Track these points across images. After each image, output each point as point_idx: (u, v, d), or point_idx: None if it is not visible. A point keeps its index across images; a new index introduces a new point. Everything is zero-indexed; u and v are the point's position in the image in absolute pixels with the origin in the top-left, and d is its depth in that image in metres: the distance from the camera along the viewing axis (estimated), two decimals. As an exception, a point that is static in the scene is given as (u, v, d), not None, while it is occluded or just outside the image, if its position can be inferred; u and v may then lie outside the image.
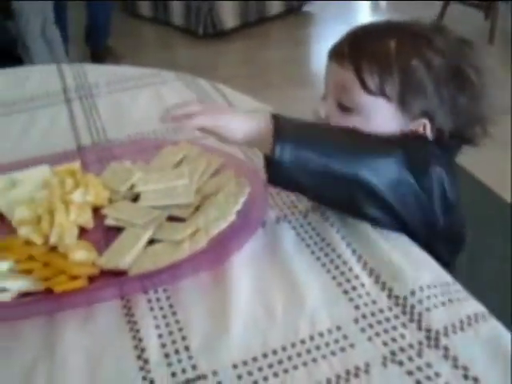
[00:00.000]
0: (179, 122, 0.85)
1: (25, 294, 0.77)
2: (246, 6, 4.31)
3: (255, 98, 1.28)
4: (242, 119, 0.85)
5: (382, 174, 0.84)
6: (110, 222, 0.89)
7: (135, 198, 0.95)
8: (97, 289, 0.78)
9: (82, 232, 0.88)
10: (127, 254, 0.80)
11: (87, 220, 0.89)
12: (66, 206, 0.88)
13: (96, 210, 0.92)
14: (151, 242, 0.84)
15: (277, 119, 0.83)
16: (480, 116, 0.97)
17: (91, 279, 0.79)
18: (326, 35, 4.30)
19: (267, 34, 4.39)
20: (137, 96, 1.30)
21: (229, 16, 4.23)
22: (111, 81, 1.38)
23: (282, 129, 0.82)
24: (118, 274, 0.80)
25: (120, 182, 0.96)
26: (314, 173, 0.82)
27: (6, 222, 0.91)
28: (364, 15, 4.98)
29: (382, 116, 0.94)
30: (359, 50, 0.94)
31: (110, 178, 0.98)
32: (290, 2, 4.56)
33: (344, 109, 0.96)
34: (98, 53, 3.87)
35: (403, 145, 0.88)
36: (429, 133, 0.96)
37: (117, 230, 0.87)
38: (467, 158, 1.03)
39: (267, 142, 0.81)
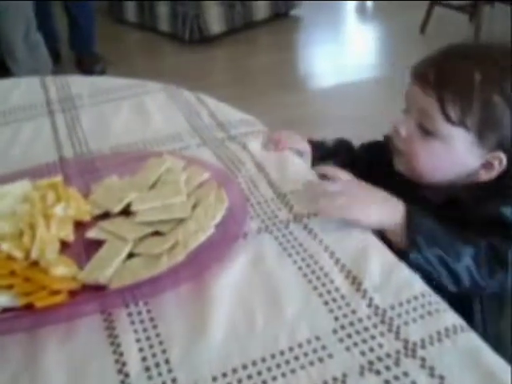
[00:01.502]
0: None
1: (5, 310, 0.77)
2: (232, 11, 4.31)
3: (242, 103, 1.28)
4: (379, 208, 0.91)
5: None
6: (90, 235, 0.89)
7: (126, 212, 0.94)
8: (77, 303, 0.78)
9: (64, 246, 0.88)
10: (107, 268, 0.80)
11: (68, 234, 0.89)
12: (47, 221, 0.88)
13: (77, 224, 0.93)
14: (131, 255, 0.84)
15: (410, 214, 0.90)
16: None
17: (72, 294, 0.79)
18: (314, 40, 4.33)
19: (254, 39, 4.39)
20: (120, 107, 1.30)
21: (215, 21, 4.23)
22: (94, 92, 1.38)
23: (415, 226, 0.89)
24: (98, 289, 0.80)
25: (114, 202, 0.95)
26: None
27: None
28: (350, 16, 5.01)
29: (459, 145, 0.99)
30: (443, 80, 0.99)
31: (102, 197, 0.97)
32: (277, 7, 4.57)
33: (424, 131, 1.01)
34: (84, 59, 3.86)
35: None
36: (503, 165, 1.00)
37: (98, 244, 0.87)
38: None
39: (399, 233, 0.90)
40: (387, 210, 0.92)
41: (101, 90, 1.39)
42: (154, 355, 0.71)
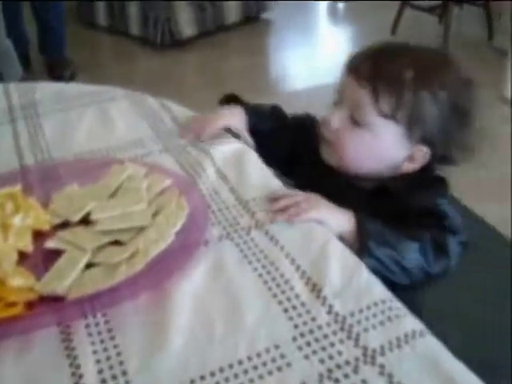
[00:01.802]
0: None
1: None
2: (203, 14, 4.30)
3: (214, 107, 1.27)
4: (338, 214, 0.96)
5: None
6: (49, 245, 0.88)
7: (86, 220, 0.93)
8: (34, 315, 0.77)
9: (22, 257, 0.87)
10: (65, 279, 0.79)
11: (27, 244, 0.88)
12: (4, 231, 0.87)
13: (37, 234, 0.91)
14: (90, 265, 0.83)
15: (360, 221, 0.95)
16: (467, 143, 1.07)
17: (29, 305, 0.78)
18: (285, 42, 4.33)
19: (225, 42, 4.39)
20: (83, 114, 1.29)
21: (186, 25, 4.22)
22: (57, 99, 1.36)
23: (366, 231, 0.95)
24: (56, 300, 0.79)
25: (73, 211, 0.93)
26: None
27: None
28: (322, 18, 5.02)
29: (389, 137, 1.05)
30: (378, 74, 1.04)
31: (61, 206, 0.96)
32: (248, 10, 4.56)
33: (355, 122, 1.06)
34: (54, 64, 3.82)
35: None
36: (426, 158, 1.07)
37: (57, 254, 0.86)
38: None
39: (352, 240, 0.94)
40: (343, 217, 0.96)
41: (64, 96, 1.37)
42: (110, 367, 0.70)
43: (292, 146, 1.23)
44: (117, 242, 0.87)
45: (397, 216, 1.00)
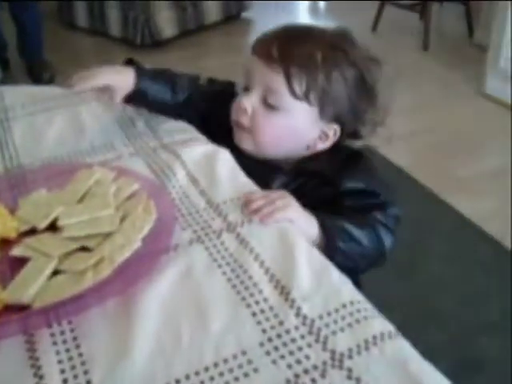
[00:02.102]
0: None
1: None
2: (183, 14, 4.29)
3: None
4: (306, 218, 0.97)
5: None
6: (15, 252, 0.87)
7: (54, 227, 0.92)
8: (-2, 325, 0.76)
9: (-12, 265, 0.86)
10: (30, 287, 0.78)
11: (-8, 252, 0.87)
12: (-30, 239, 0.86)
13: (4, 241, 0.90)
14: (56, 273, 0.82)
15: (324, 222, 0.98)
16: (374, 118, 1.12)
17: (-6, 315, 0.76)
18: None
19: (206, 42, 4.37)
20: (53, 118, 1.27)
21: (166, 25, 4.20)
22: (27, 102, 1.34)
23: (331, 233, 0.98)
24: (21, 309, 0.77)
25: (40, 217, 0.92)
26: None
27: None
28: (303, 17, 5.01)
29: (303, 118, 1.08)
30: (289, 57, 1.05)
31: (28, 212, 0.94)
32: (228, 9, 4.55)
33: (268, 106, 1.07)
34: (33, 67, 3.79)
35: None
36: (337, 136, 1.11)
37: (23, 262, 0.84)
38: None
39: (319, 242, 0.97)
40: (310, 218, 0.98)
41: (34, 100, 1.35)
42: (75, 376, 0.69)
43: (203, 119, 1.24)
44: (84, 249, 0.86)
45: (325, 197, 1.06)
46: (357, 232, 1.01)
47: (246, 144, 1.12)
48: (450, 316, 1.96)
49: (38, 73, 3.73)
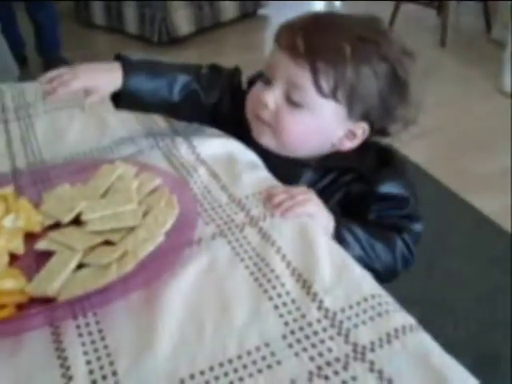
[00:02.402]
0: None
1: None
2: (200, 12, 4.31)
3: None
4: (325, 218, 0.97)
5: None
6: (40, 246, 0.88)
7: (77, 221, 0.93)
8: (25, 317, 0.77)
9: (14, 258, 0.87)
10: (55, 280, 0.79)
11: (18, 246, 0.88)
12: (-5, 233, 0.87)
13: (27, 235, 0.91)
14: (80, 266, 0.83)
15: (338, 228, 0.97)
16: (406, 115, 1.05)
17: (20, 307, 0.78)
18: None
19: (223, 39, 4.39)
20: (75, 115, 1.29)
21: (183, 22, 4.22)
22: (49, 100, 1.35)
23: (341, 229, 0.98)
24: (47, 301, 0.78)
25: (65, 211, 0.93)
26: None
27: None
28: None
29: (329, 116, 1.01)
30: (316, 51, 0.97)
31: (53, 207, 0.95)
32: (245, 6, 4.56)
33: (292, 103, 1.00)
34: (51, 64, 3.81)
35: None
36: (366, 135, 1.05)
37: (48, 255, 0.86)
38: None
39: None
40: (329, 217, 0.98)
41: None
42: (101, 367, 0.70)
43: (208, 113, 1.16)
44: (107, 243, 0.87)
45: (357, 194, 1.04)
46: (370, 244, 1.00)
47: (267, 139, 1.06)
48: (467, 313, 1.96)
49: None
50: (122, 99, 1.07)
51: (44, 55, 3.88)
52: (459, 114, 3.13)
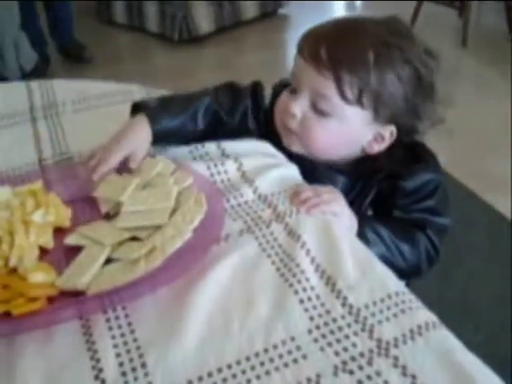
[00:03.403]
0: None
1: (-16, 317, 0.77)
2: (220, 10, 4.32)
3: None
4: (349, 219, 0.98)
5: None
6: (69, 241, 0.90)
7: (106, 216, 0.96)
8: (55, 310, 0.78)
9: (43, 252, 0.89)
10: (85, 274, 0.81)
11: (48, 240, 0.90)
12: (26, 227, 0.89)
13: (57, 230, 0.93)
14: (109, 261, 0.85)
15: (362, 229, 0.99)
16: (433, 114, 1.06)
17: (50, 300, 0.80)
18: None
19: (243, 38, 4.40)
20: (104, 113, 1.30)
21: (204, 21, 4.23)
22: (79, 98, 1.37)
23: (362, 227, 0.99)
24: (77, 295, 0.80)
25: (119, 192, 0.96)
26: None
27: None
28: (339, 15, 5.00)
29: (356, 123, 1.03)
30: (338, 60, 0.99)
31: (108, 190, 0.99)
32: (265, 5, 4.57)
33: (319, 112, 1.02)
34: (70, 48, 3.89)
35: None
36: (394, 137, 1.06)
37: (78, 250, 0.88)
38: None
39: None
40: (353, 217, 0.99)
41: (84, 96, 1.38)
42: (130, 360, 0.72)
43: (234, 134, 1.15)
44: (135, 238, 0.89)
45: (386, 190, 1.06)
46: (394, 243, 1.02)
47: (297, 147, 1.08)
48: (486, 314, 1.96)
49: (76, 53, 3.87)
50: (154, 141, 1.08)
51: (61, 40, 3.93)
52: (479, 115, 3.12)
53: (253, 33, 4.49)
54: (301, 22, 4.57)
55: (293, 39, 4.40)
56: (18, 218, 0.90)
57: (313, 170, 1.08)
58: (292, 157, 1.09)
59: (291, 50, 4.30)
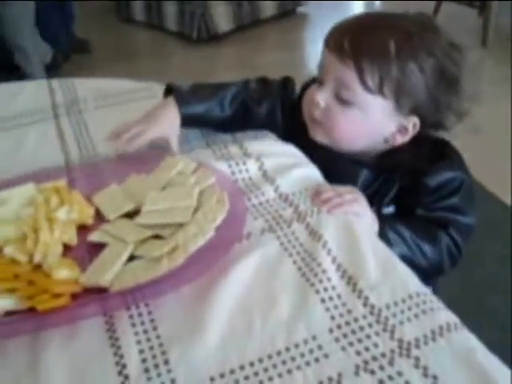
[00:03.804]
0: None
1: (9, 313, 0.78)
2: (239, 9, 4.32)
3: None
4: (370, 219, 0.99)
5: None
6: (92, 238, 0.91)
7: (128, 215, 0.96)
8: (79, 306, 0.79)
9: (67, 249, 0.90)
10: (108, 272, 0.82)
11: (71, 237, 0.91)
12: (50, 224, 0.90)
13: (80, 227, 0.94)
14: (132, 258, 0.86)
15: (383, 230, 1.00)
16: (458, 108, 1.07)
17: (74, 297, 0.80)
18: (321, 37, 4.30)
19: (261, 36, 4.40)
20: (125, 111, 1.31)
21: (222, 20, 4.24)
22: (100, 95, 1.38)
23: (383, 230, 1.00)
24: (100, 291, 0.81)
25: (125, 201, 0.98)
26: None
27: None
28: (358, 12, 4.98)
29: (378, 112, 1.05)
30: (360, 50, 1.01)
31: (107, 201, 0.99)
32: (284, 4, 4.57)
33: (341, 100, 1.05)
34: (75, 45, 3.92)
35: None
36: (417, 129, 1.06)
37: (101, 247, 0.89)
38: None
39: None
40: (374, 218, 1.00)
41: (106, 93, 1.40)
42: (153, 356, 0.73)
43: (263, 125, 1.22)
44: (157, 236, 0.89)
45: (409, 187, 1.06)
46: (415, 242, 1.03)
47: (321, 137, 1.10)
48: (504, 316, 1.95)
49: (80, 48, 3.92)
50: (183, 124, 1.15)
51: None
52: (499, 115, 3.10)
53: (271, 32, 4.49)
54: (320, 20, 4.57)
55: (312, 38, 4.40)
56: (42, 215, 0.91)
57: (336, 161, 1.10)
58: (317, 148, 1.10)
59: (310, 49, 4.31)
